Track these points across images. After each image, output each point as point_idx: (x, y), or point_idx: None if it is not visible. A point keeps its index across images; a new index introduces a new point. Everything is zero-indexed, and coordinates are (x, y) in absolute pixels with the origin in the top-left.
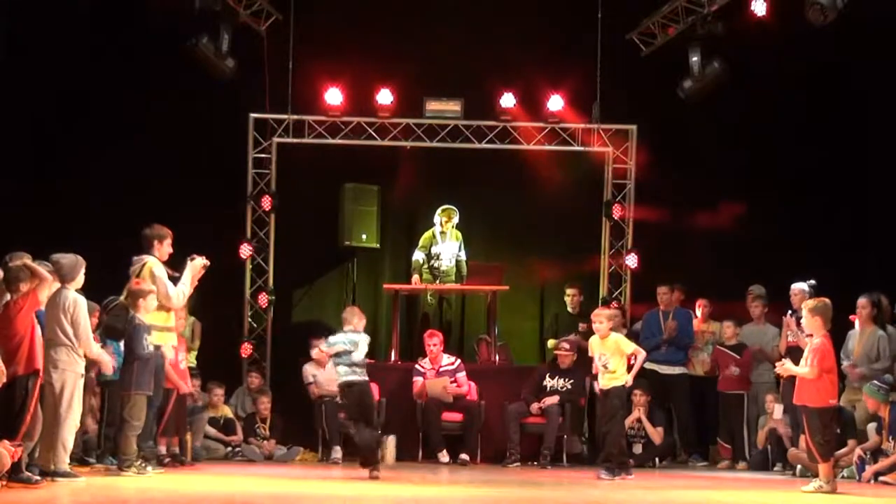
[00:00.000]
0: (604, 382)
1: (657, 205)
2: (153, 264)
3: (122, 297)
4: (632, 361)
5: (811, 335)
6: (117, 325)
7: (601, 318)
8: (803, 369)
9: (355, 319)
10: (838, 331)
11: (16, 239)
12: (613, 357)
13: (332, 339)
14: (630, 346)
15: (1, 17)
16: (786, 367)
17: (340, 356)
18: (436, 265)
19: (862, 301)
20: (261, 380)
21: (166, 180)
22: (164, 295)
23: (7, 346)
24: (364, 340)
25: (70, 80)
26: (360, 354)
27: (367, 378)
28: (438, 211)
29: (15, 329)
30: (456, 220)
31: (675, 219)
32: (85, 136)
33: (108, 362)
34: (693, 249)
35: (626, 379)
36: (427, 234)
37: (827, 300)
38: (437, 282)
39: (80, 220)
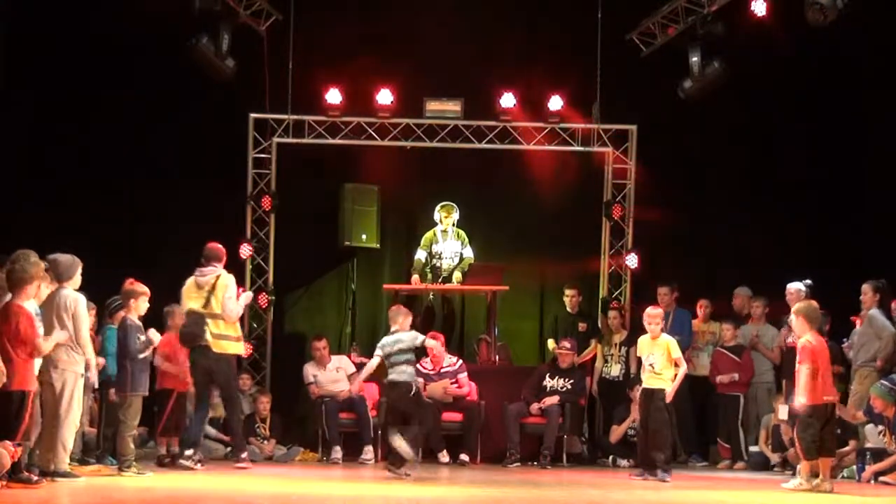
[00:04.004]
0: (648, 382)
1: (657, 205)
2: (230, 279)
3: (197, 306)
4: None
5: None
6: (195, 331)
7: (657, 319)
8: (801, 380)
9: (400, 318)
10: (840, 331)
11: (16, 239)
12: (661, 358)
13: (381, 342)
14: (677, 353)
15: (3, 20)
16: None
17: (390, 357)
18: (437, 264)
19: (864, 287)
20: (252, 381)
21: (167, 180)
22: (231, 309)
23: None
24: (407, 337)
25: (70, 79)
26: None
27: (409, 378)
28: (437, 207)
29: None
30: (456, 216)
31: (675, 219)
32: (85, 136)
33: (94, 369)
34: (693, 249)
35: (669, 388)
36: (428, 234)
37: (813, 302)
38: (439, 281)
39: (81, 220)
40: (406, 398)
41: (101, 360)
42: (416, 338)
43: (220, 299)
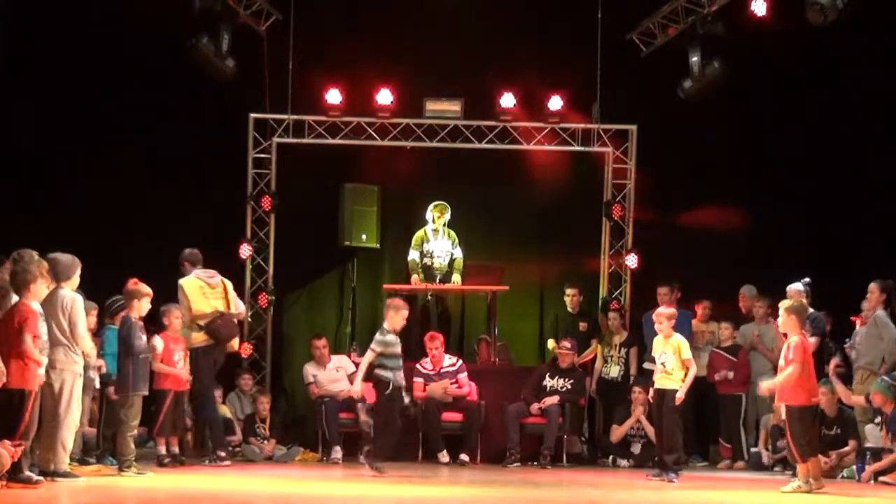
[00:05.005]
0: (659, 382)
1: (657, 205)
2: (230, 285)
3: (221, 307)
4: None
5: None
6: (233, 332)
7: (661, 318)
8: (782, 376)
9: (389, 313)
10: (840, 331)
11: (16, 239)
12: (672, 358)
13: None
14: (687, 354)
15: (3, 19)
16: (765, 387)
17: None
18: (429, 263)
19: (872, 286)
20: (252, 381)
21: (166, 180)
22: (243, 309)
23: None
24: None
25: (70, 79)
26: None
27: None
28: (430, 207)
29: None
30: (448, 215)
31: (675, 219)
32: (85, 136)
33: (95, 363)
34: (693, 249)
35: (678, 388)
36: (419, 234)
37: (803, 300)
38: (435, 281)
39: (81, 220)
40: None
41: (101, 363)
42: (373, 343)
43: (233, 300)
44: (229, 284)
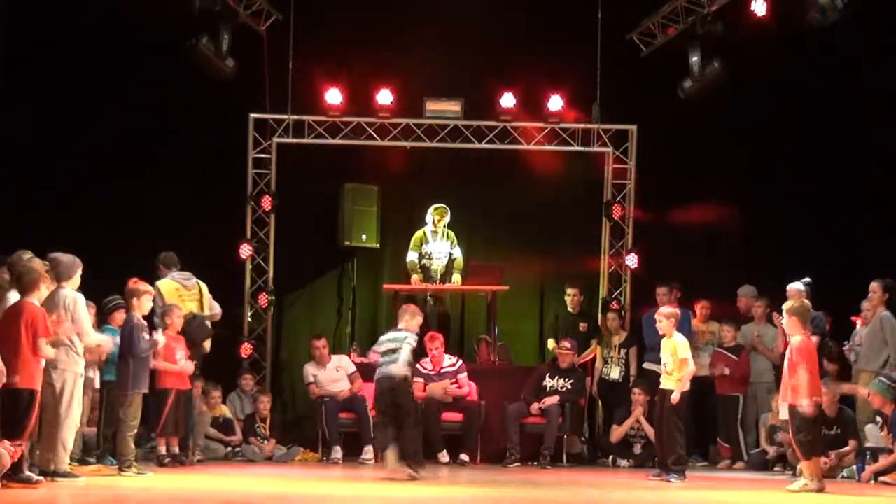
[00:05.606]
0: (662, 383)
1: (657, 205)
2: (205, 287)
3: (196, 309)
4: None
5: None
6: (208, 332)
7: (661, 317)
8: (799, 379)
9: (406, 317)
10: (840, 331)
11: (16, 239)
12: (672, 358)
13: (380, 338)
14: (683, 353)
15: (3, 19)
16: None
17: (386, 354)
18: (427, 264)
19: (873, 286)
20: (254, 381)
21: (166, 181)
22: (220, 310)
23: (9, 352)
24: (400, 336)
25: (70, 80)
26: (403, 353)
27: (401, 375)
28: (431, 209)
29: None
30: (448, 218)
31: (675, 219)
32: (85, 137)
33: (108, 341)
34: (693, 249)
35: (674, 389)
36: (418, 234)
37: (806, 302)
38: (438, 282)
39: (80, 220)
40: (389, 392)
41: (108, 343)
42: (408, 337)
43: (208, 302)
44: (204, 287)
